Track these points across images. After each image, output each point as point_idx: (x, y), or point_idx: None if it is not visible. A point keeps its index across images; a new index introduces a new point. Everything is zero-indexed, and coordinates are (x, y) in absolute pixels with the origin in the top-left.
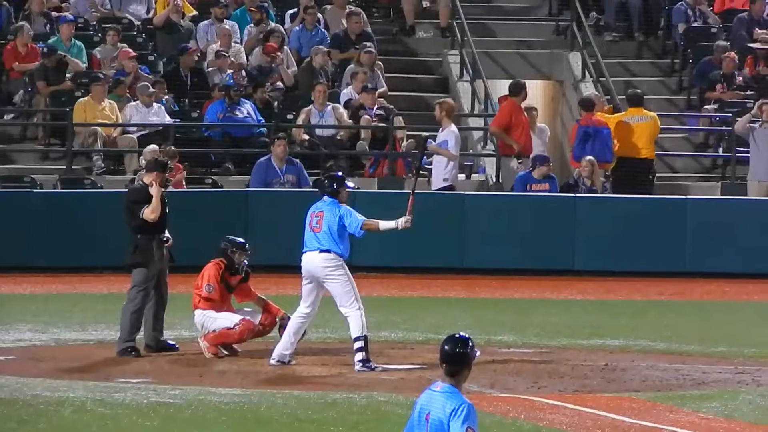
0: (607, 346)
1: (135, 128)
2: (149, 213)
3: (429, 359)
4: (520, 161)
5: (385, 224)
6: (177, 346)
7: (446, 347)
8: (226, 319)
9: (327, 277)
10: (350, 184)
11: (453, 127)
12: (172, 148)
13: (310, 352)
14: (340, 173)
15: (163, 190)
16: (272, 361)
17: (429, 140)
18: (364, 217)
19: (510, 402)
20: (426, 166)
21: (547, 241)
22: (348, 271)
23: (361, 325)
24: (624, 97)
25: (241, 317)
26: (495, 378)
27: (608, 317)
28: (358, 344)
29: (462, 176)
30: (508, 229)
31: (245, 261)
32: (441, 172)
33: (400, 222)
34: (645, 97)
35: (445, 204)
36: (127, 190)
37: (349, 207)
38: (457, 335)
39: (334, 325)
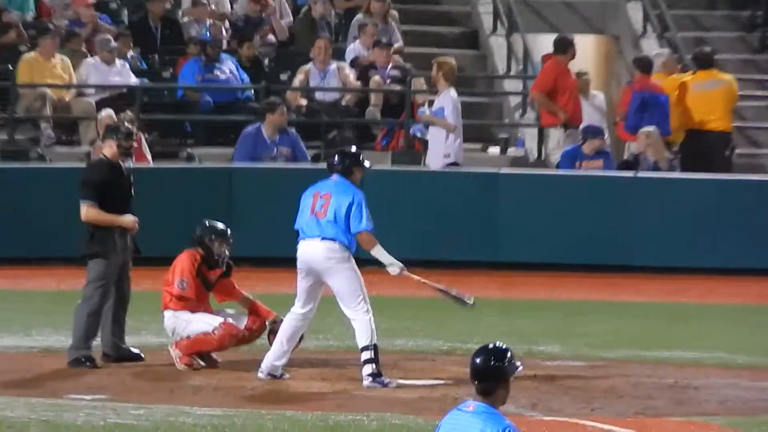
0: (676, 359)
1: (93, 90)
2: (86, 213)
3: (455, 373)
4: (567, 133)
5: (380, 252)
6: (142, 355)
7: (477, 360)
8: (202, 322)
9: (329, 271)
10: (367, 163)
11: (452, 92)
12: (129, 112)
13: (307, 363)
14: (354, 149)
15: (127, 163)
16: (261, 375)
17: (422, 109)
18: (372, 225)
19: (557, 427)
20: (417, 135)
21: (600, 231)
22: (355, 266)
23: (369, 331)
24: (693, 57)
25: (222, 320)
26: (538, 397)
27: (677, 324)
28: (366, 355)
29: (496, 150)
30: (553, 215)
31: (226, 251)
32: (441, 147)
33: (395, 267)
34: (718, 56)
35: (476, 184)
36: (84, 165)
37: (363, 199)
38: (491, 345)
39: (338, 330)
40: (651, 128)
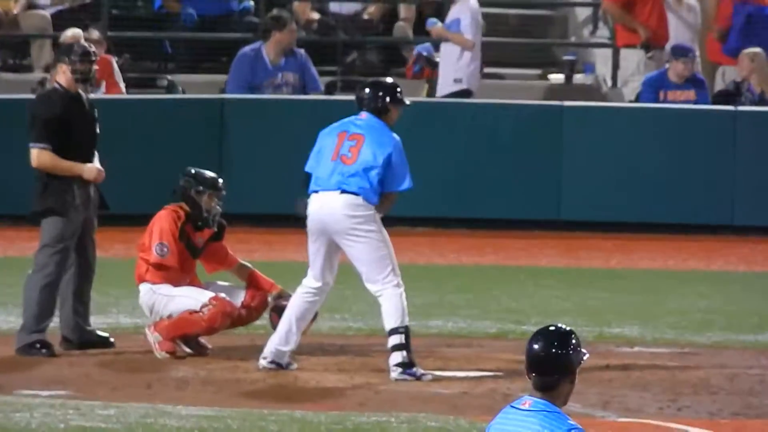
0: None
1: (48, 1)
2: (38, 158)
3: (506, 363)
4: (648, 55)
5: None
6: (112, 339)
7: (535, 347)
8: (188, 298)
9: (351, 233)
10: (407, 100)
11: (472, 1)
12: (95, 31)
13: (320, 350)
14: (390, 80)
15: (88, 92)
16: (263, 363)
17: (432, 20)
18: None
19: (634, 431)
20: (423, 54)
21: (691, 181)
22: (383, 228)
23: (401, 310)
24: None
25: (213, 295)
26: (610, 394)
27: None
28: (395, 339)
29: (559, 77)
30: (630, 160)
31: (218, 207)
32: (452, 67)
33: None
34: None
35: (533, 120)
36: (34, 97)
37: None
38: (552, 328)
39: (359, 308)
40: (756, 50)
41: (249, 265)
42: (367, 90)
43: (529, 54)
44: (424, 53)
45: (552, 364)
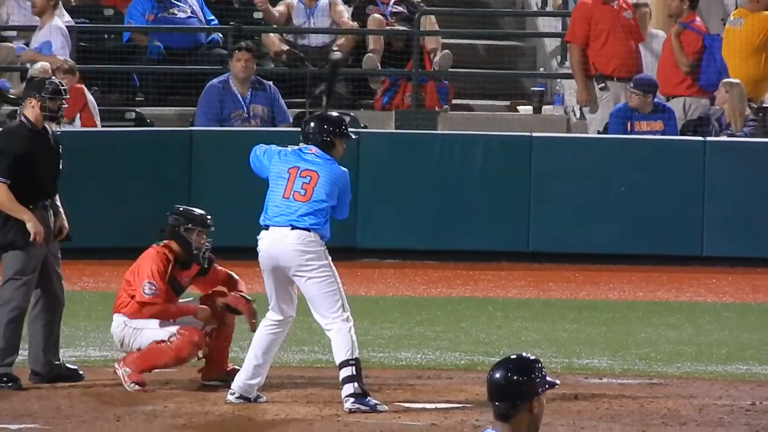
0: (756, 376)
1: (15, 34)
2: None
3: (476, 394)
4: (600, 85)
5: None
6: (81, 372)
7: (496, 375)
8: (156, 330)
9: (302, 269)
10: (353, 134)
11: (57, 21)
12: (68, 60)
13: (289, 382)
14: (335, 114)
15: (56, 129)
16: (231, 398)
17: (20, 45)
18: None
19: None
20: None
21: (660, 212)
22: (332, 263)
23: (350, 343)
24: None
25: (178, 327)
26: (579, 425)
27: (757, 330)
28: (346, 371)
29: (528, 109)
30: (601, 191)
31: (207, 244)
32: None
33: None
34: None
35: (502, 151)
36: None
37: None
38: (513, 356)
39: (327, 340)
40: (734, 80)
41: (236, 276)
42: (312, 124)
43: (497, 85)
44: (3, 88)
45: (504, 391)
